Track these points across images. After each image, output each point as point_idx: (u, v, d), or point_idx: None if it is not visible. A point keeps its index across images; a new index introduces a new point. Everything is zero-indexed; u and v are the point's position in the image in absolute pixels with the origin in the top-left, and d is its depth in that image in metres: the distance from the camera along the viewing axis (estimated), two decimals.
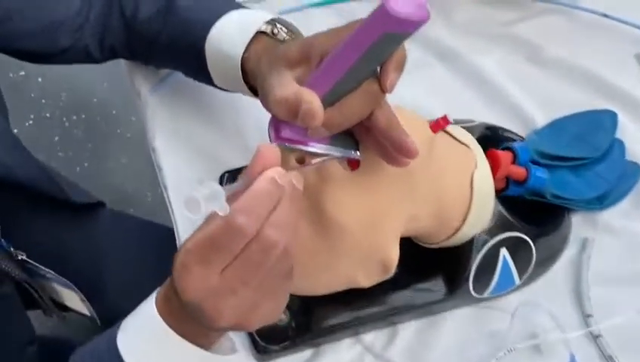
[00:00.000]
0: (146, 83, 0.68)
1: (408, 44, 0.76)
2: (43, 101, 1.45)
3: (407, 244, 0.55)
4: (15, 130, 1.38)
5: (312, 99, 0.38)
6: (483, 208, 0.52)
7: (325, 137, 0.42)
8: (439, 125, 0.46)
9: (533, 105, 0.70)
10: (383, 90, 0.39)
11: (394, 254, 0.48)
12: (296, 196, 0.36)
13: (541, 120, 0.69)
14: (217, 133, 0.66)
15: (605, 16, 0.73)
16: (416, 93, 0.69)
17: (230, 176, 0.63)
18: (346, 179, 0.45)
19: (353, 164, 0.47)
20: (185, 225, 0.62)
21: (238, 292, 0.36)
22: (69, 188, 0.75)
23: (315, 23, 0.74)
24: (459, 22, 0.75)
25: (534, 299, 0.59)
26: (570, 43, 0.73)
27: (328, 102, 0.40)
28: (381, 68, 0.39)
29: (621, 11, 0.73)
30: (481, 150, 0.53)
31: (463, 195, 0.51)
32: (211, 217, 0.36)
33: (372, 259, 0.48)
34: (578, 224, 0.64)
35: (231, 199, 0.35)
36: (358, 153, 0.45)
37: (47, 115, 1.45)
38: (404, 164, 0.41)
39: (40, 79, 1.46)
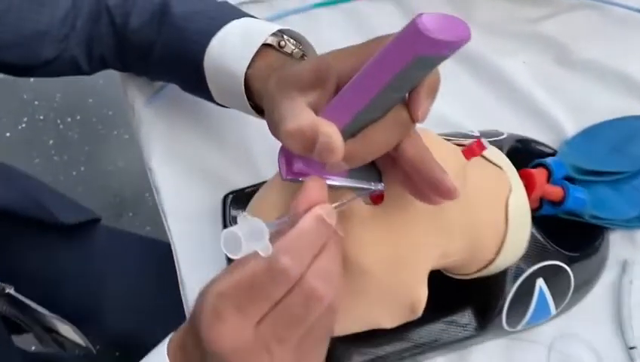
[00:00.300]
0: (141, 95, 0.62)
1: None
2: (36, 103, 1.39)
3: (434, 274, 0.50)
4: (7, 134, 1.32)
5: (330, 132, 0.33)
6: (519, 237, 0.47)
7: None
8: (473, 152, 0.40)
9: (563, 112, 0.64)
10: (414, 120, 0.33)
11: (422, 296, 0.42)
12: (340, 241, 0.32)
13: (572, 128, 0.63)
14: (220, 150, 0.60)
15: None
16: (437, 101, 0.63)
17: (234, 198, 0.57)
18: (368, 215, 0.39)
19: (376, 198, 0.41)
20: (185, 256, 0.56)
21: (273, 351, 0.31)
22: (60, 206, 0.69)
23: (320, 23, 0.68)
24: (480, 21, 0.68)
25: (571, 330, 0.55)
26: (603, 42, 0.67)
27: (349, 132, 0.34)
28: (411, 94, 0.33)
29: None
30: (515, 171, 0.48)
31: (497, 225, 0.45)
32: (247, 257, 0.31)
33: (398, 302, 0.42)
34: (616, 244, 0.58)
35: (273, 237, 0.31)
36: (381, 185, 0.39)
37: (41, 117, 1.40)
38: (438, 203, 0.35)
39: (32, 80, 1.39)
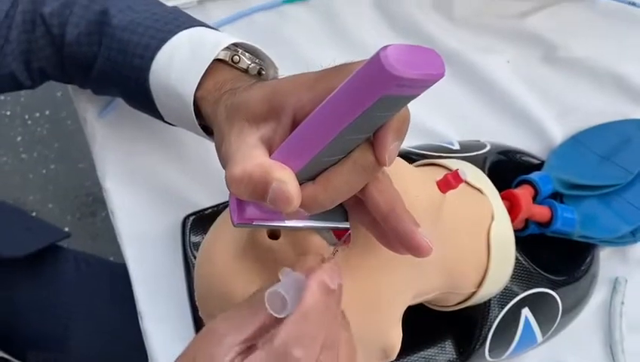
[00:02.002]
0: (92, 106, 0.57)
1: (397, 42, 0.66)
2: (1, 98, 1.33)
3: (414, 306, 0.46)
4: None
5: (285, 177, 0.28)
6: (502, 267, 0.43)
7: None
8: (449, 185, 0.35)
9: (550, 115, 0.59)
10: (380, 164, 0.29)
11: (396, 340, 0.38)
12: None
13: (560, 133, 0.59)
14: (178, 166, 0.56)
15: (632, 4, 0.62)
16: (410, 107, 0.59)
17: (195, 221, 0.52)
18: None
19: (340, 236, 0.37)
20: (142, 282, 0.52)
21: None
22: (9, 237, 0.64)
23: (289, 21, 0.63)
24: (461, 15, 0.63)
25: (559, 356, 0.51)
26: (593, 38, 0.62)
27: (307, 175, 0.30)
28: (376, 134, 0.29)
29: None
30: (497, 194, 0.44)
31: (478, 256, 0.41)
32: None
33: (370, 347, 0.38)
34: (607, 260, 0.54)
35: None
36: (347, 224, 0.35)
37: (7, 112, 1.33)
38: (407, 254, 0.31)
39: None
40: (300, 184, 0.30)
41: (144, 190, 0.55)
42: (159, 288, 0.52)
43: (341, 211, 0.35)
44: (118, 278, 0.62)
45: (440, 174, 0.38)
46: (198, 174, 0.55)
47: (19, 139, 1.32)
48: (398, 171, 0.36)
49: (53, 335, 0.66)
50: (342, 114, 0.27)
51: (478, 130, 0.58)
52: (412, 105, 0.65)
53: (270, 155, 0.30)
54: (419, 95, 0.27)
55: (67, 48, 0.46)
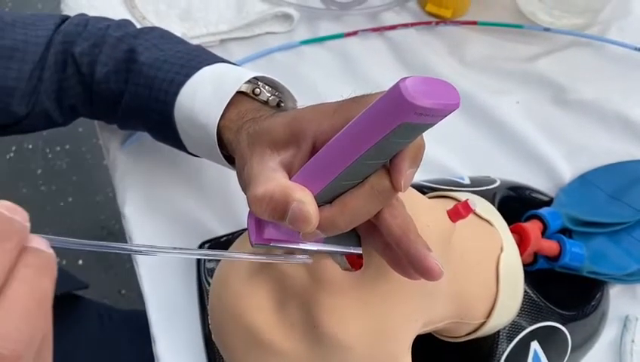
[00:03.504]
0: (115, 137, 0.60)
1: None
2: None
3: (424, 336, 0.47)
4: None
5: (304, 198, 0.30)
6: (511, 298, 0.43)
7: None
8: (459, 214, 0.37)
9: (559, 155, 0.61)
10: (396, 189, 0.30)
11: None
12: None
13: (569, 172, 0.60)
14: (197, 195, 0.57)
15: (638, 50, 0.65)
16: (426, 142, 0.60)
17: (210, 248, 0.54)
18: (345, 284, 0.36)
19: (355, 262, 0.38)
20: (157, 307, 0.53)
21: None
22: None
23: (306, 61, 0.66)
24: (471, 59, 0.66)
25: None
26: (600, 81, 0.64)
27: (325, 198, 0.31)
28: (393, 160, 0.30)
29: None
30: (506, 227, 0.45)
31: (487, 287, 0.42)
32: None
33: None
34: (617, 298, 0.55)
35: None
36: (359, 249, 0.36)
37: (30, 146, 1.37)
38: (418, 279, 0.32)
39: None
40: (319, 206, 0.31)
41: (162, 217, 0.56)
42: (173, 313, 0.53)
43: (354, 236, 0.36)
44: (140, 332, 0.61)
45: (450, 205, 0.39)
46: (214, 204, 0.57)
47: (39, 171, 1.35)
48: (411, 200, 0.38)
49: None
50: (361, 140, 0.28)
51: (488, 168, 0.60)
52: (426, 143, 0.67)
53: (290, 179, 0.32)
54: (435, 124, 0.28)
55: (96, 86, 0.48)
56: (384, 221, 0.32)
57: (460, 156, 0.61)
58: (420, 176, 0.58)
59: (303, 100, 0.62)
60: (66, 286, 0.72)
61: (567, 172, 0.60)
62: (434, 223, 0.37)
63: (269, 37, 0.67)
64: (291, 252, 0.35)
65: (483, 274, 0.42)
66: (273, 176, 0.31)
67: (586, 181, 0.58)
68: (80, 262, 1.27)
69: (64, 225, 1.31)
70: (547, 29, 0.66)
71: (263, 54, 0.66)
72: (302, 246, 0.35)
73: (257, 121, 0.37)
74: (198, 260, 0.54)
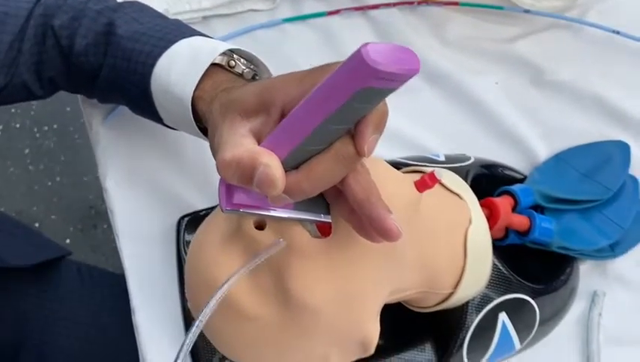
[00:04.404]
0: (97, 111, 0.60)
1: None
2: (12, 110, 1.37)
3: (394, 306, 0.48)
4: None
5: (270, 162, 0.30)
6: (478, 270, 0.45)
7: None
8: (426, 184, 0.38)
9: (535, 135, 0.62)
10: (360, 154, 0.31)
11: (373, 333, 0.40)
12: None
13: (545, 152, 0.61)
14: (178, 170, 0.58)
15: (617, 33, 0.66)
16: (401, 122, 0.61)
17: (189, 221, 0.55)
18: (314, 250, 0.37)
19: (324, 229, 0.39)
20: (136, 279, 0.54)
21: None
22: (13, 248, 0.66)
23: (288, 39, 0.66)
24: (452, 39, 0.66)
25: None
26: (578, 64, 0.65)
27: (292, 164, 0.32)
28: (357, 126, 0.31)
29: (634, 28, 0.66)
30: (475, 200, 0.46)
31: (454, 259, 0.43)
32: None
33: (348, 340, 0.40)
34: (587, 274, 0.56)
35: None
36: (329, 217, 0.37)
37: (17, 125, 1.37)
38: (381, 242, 0.33)
39: None
40: (286, 172, 0.32)
41: (143, 191, 0.57)
42: (152, 284, 0.54)
43: (324, 204, 0.37)
44: (120, 291, 0.63)
45: (419, 177, 0.40)
46: (195, 178, 0.58)
47: (27, 151, 1.35)
48: (379, 170, 0.39)
49: (56, 344, 0.67)
50: (324, 104, 0.29)
51: (466, 147, 0.60)
52: (406, 122, 0.68)
53: (259, 145, 0.33)
54: (396, 89, 0.29)
55: (75, 58, 0.48)
56: (348, 186, 0.32)
57: (438, 135, 0.62)
58: (397, 154, 0.59)
59: None
60: (50, 253, 0.73)
61: (543, 152, 0.61)
62: (400, 192, 0.38)
63: (252, 14, 0.67)
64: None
65: (451, 245, 0.43)
66: (242, 142, 0.32)
67: (560, 160, 0.59)
68: (67, 241, 1.28)
69: (52, 203, 1.31)
70: (527, 11, 0.67)
71: (246, 32, 0.66)
72: (272, 213, 0.36)
73: (230, 91, 0.37)
74: (178, 233, 0.55)
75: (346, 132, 0.32)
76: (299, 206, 0.36)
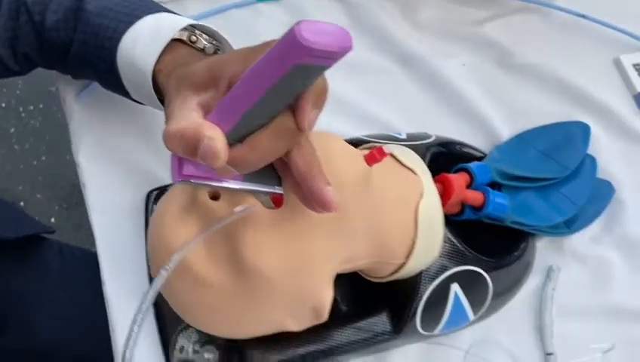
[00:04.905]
0: (71, 88, 0.61)
1: (365, 45, 0.69)
2: None
3: (353, 276, 0.50)
4: None
5: (213, 135, 0.32)
6: (429, 242, 0.46)
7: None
8: (374, 158, 0.39)
9: (500, 116, 0.64)
10: (300, 129, 0.32)
11: (325, 300, 0.42)
12: None
13: (508, 132, 0.63)
14: (149, 146, 0.59)
15: (583, 16, 0.67)
16: (371, 101, 0.63)
17: (158, 195, 0.56)
18: (266, 220, 0.39)
19: (276, 200, 0.41)
20: (107, 251, 0.56)
21: None
22: (5, 220, 0.68)
23: (261, 19, 0.67)
24: (422, 20, 0.68)
25: (492, 335, 0.54)
26: (545, 46, 0.67)
27: (237, 137, 0.34)
28: (296, 102, 0.32)
29: (599, 12, 0.67)
30: (429, 175, 0.47)
31: (406, 230, 0.45)
32: None
33: (301, 306, 0.42)
34: (543, 249, 0.58)
35: None
36: (280, 189, 0.38)
37: (3, 104, 1.38)
38: (323, 213, 0.35)
39: None
40: (232, 145, 0.33)
41: (114, 166, 0.58)
42: (122, 257, 0.55)
43: (275, 176, 0.39)
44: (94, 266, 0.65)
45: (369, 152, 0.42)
46: (165, 154, 0.58)
47: (12, 130, 1.36)
48: (329, 144, 0.40)
49: (40, 323, 0.69)
50: (261, 80, 0.30)
51: (431, 127, 0.61)
52: (373, 101, 0.69)
53: (206, 118, 0.34)
54: (330, 66, 0.30)
55: (47, 34, 0.50)
56: (292, 158, 0.34)
57: (405, 115, 0.63)
58: (365, 132, 0.61)
59: None
60: (33, 229, 0.74)
61: (506, 132, 0.63)
62: (350, 166, 0.40)
63: None
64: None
65: (402, 217, 0.45)
66: (188, 115, 0.33)
67: (521, 140, 0.61)
68: (52, 219, 1.30)
69: (37, 182, 1.33)
70: None
71: (219, 11, 0.67)
72: (224, 184, 0.37)
73: (186, 65, 0.39)
74: (146, 206, 0.56)
75: (287, 107, 0.33)
76: (250, 178, 0.37)
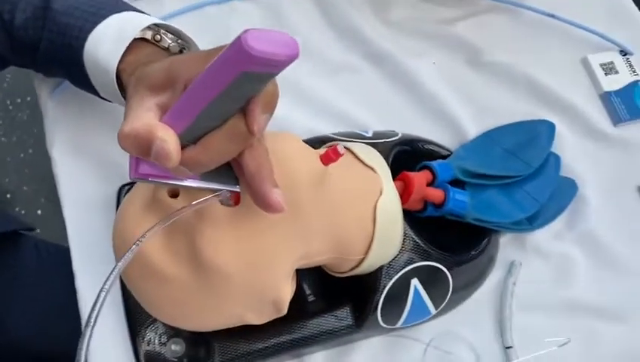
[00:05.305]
0: (46, 84, 0.62)
1: (336, 43, 0.70)
2: None
3: (321, 270, 0.51)
4: None
5: (166, 137, 0.33)
6: (388, 239, 0.48)
7: None
8: (330, 158, 0.40)
9: (468, 114, 0.65)
10: (251, 133, 0.33)
11: (285, 295, 0.43)
12: None
13: (475, 130, 0.64)
14: None
15: (552, 16, 0.68)
16: (340, 99, 0.64)
17: (128, 190, 0.57)
18: (224, 218, 0.40)
19: (234, 198, 0.42)
20: (79, 245, 0.57)
21: None
22: None
23: (236, 16, 0.68)
24: (392, 19, 0.69)
25: (453, 328, 0.56)
26: (514, 45, 0.68)
27: (190, 138, 0.35)
28: (247, 106, 0.33)
29: (568, 12, 0.68)
30: (388, 173, 0.49)
31: (364, 227, 0.46)
32: None
33: (261, 301, 0.43)
34: (507, 245, 0.60)
35: None
36: (237, 187, 0.40)
37: None
38: (272, 213, 0.36)
39: None
40: (186, 146, 0.35)
41: (88, 161, 0.60)
42: (93, 250, 0.57)
43: (232, 175, 0.40)
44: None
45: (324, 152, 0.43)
46: None
47: (0, 122, 1.37)
48: (286, 146, 0.41)
49: (17, 322, 0.69)
50: (211, 84, 0.31)
51: (399, 125, 0.63)
52: (342, 98, 0.70)
53: (161, 119, 0.35)
54: (277, 74, 0.31)
55: (16, 32, 0.50)
56: (243, 160, 0.35)
57: (374, 113, 0.64)
58: (332, 129, 0.62)
59: None
60: (13, 226, 0.75)
61: (473, 130, 0.64)
62: (305, 166, 0.41)
63: None
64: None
65: (360, 214, 0.46)
66: (143, 115, 0.34)
67: (487, 137, 0.62)
68: (39, 212, 1.31)
69: (24, 175, 1.34)
70: None
71: (195, 7, 0.68)
72: (182, 183, 0.38)
73: (146, 65, 0.40)
74: (118, 201, 0.57)
75: (239, 110, 0.34)
76: (207, 176, 0.38)
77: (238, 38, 0.29)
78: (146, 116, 0.34)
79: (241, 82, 0.31)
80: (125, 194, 0.57)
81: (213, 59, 0.34)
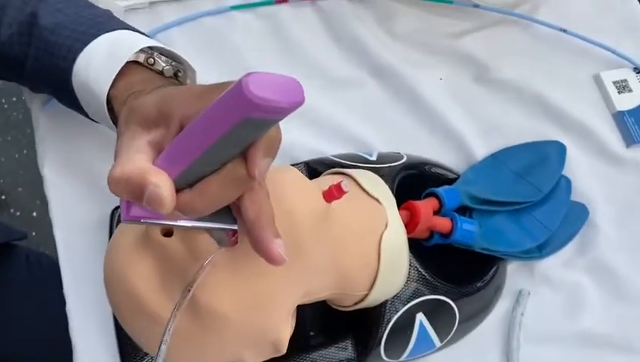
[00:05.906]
0: (37, 98, 0.60)
1: (340, 57, 0.68)
2: None
3: (322, 303, 0.49)
4: None
5: (159, 182, 0.30)
6: (393, 274, 0.46)
7: None
8: (333, 195, 0.38)
9: (475, 133, 0.62)
10: (251, 178, 0.31)
11: (284, 336, 0.41)
12: None
13: (482, 150, 0.62)
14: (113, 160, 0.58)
15: (564, 31, 0.66)
16: (343, 116, 0.62)
17: None
18: (222, 259, 0.38)
19: (232, 239, 0.39)
20: (70, 267, 0.55)
21: None
22: None
23: (235, 26, 0.66)
24: (400, 32, 0.66)
25: (458, 360, 0.54)
26: (523, 60, 0.65)
27: (186, 181, 0.32)
28: (248, 150, 0.31)
29: (580, 27, 0.66)
30: (394, 203, 0.46)
31: (368, 262, 0.44)
32: None
33: (259, 342, 0.41)
34: (514, 273, 0.57)
35: None
36: (235, 225, 0.37)
37: None
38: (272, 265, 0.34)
39: None
40: (180, 189, 0.32)
41: (80, 180, 0.57)
42: (84, 272, 0.55)
43: (230, 214, 0.37)
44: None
45: (336, 183, 0.41)
46: None
47: None
48: (286, 182, 0.39)
49: (7, 336, 0.67)
50: (209, 130, 0.29)
51: (404, 143, 0.61)
52: (345, 115, 0.67)
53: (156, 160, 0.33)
54: (280, 120, 0.29)
55: (0, 47, 0.48)
56: (242, 205, 0.33)
57: (378, 130, 0.62)
58: (335, 147, 0.59)
59: (224, 69, 0.62)
60: (5, 237, 0.73)
61: (481, 150, 0.61)
62: (305, 205, 0.39)
63: (200, 1, 0.66)
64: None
65: (364, 249, 0.44)
66: (134, 158, 0.32)
67: (496, 159, 0.60)
68: (34, 214, 1.28)
69: (19, 176, 1.31)
70: (476, 6, 0.66)
71: (192, 18, 0.66)
72: (177, 223, 0.36)
73: (138, 95, 0.37)
74: (111, 223, 0.55)
75: (238, 154, 0.32)
76: (204, 216, 0.36)
77: (239, 83, 0.26)
78: (138, 158, 0.32)
79: (241, 128, 0.28)
80: (118, 217, 0.55)
81: (213, 96, 0.32)
